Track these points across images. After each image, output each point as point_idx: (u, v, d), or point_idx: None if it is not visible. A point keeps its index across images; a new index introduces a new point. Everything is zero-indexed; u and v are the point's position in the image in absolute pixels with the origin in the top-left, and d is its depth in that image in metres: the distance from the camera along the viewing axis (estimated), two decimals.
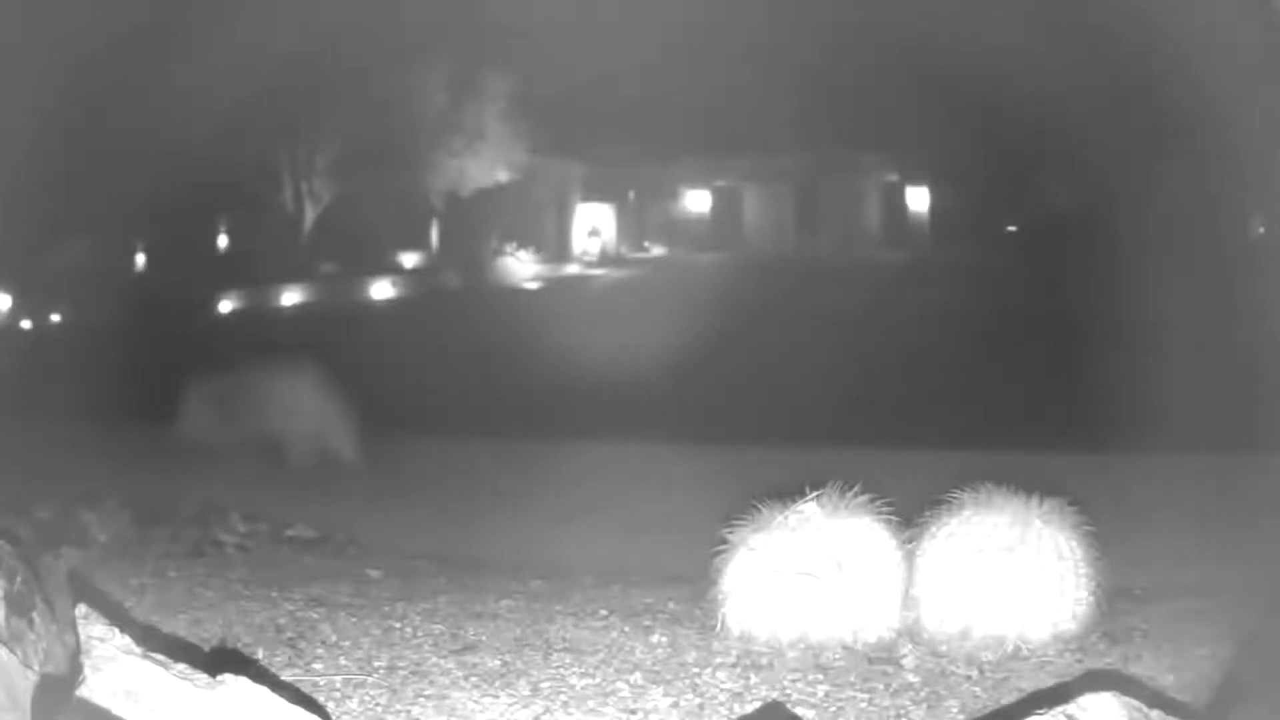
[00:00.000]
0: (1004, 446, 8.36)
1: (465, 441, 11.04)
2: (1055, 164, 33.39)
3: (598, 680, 3.92)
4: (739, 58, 31.64)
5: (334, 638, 4.39)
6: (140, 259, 33.64)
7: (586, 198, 40.65)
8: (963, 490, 4.45)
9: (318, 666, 4.05)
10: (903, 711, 3.65)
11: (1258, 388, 9.19)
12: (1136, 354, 12.53)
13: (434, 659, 4.14)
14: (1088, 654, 4.15)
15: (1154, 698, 3.08)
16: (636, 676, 3.95)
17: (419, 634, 4.47)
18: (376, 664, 4.08)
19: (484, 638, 4.41)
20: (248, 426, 10.05)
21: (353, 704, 3.69)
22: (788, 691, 3.81)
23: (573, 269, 38.10)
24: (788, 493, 4.44)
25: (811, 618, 4.21)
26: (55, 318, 27.87)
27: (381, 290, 33.14)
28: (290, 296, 31.87)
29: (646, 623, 4.60)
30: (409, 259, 35.76)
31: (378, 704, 3.69)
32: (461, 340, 21.50)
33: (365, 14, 30.05)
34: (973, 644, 4.16)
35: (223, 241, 35.51)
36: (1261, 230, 31.07)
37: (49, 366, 18.28)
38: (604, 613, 4.77)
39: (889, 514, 4.37)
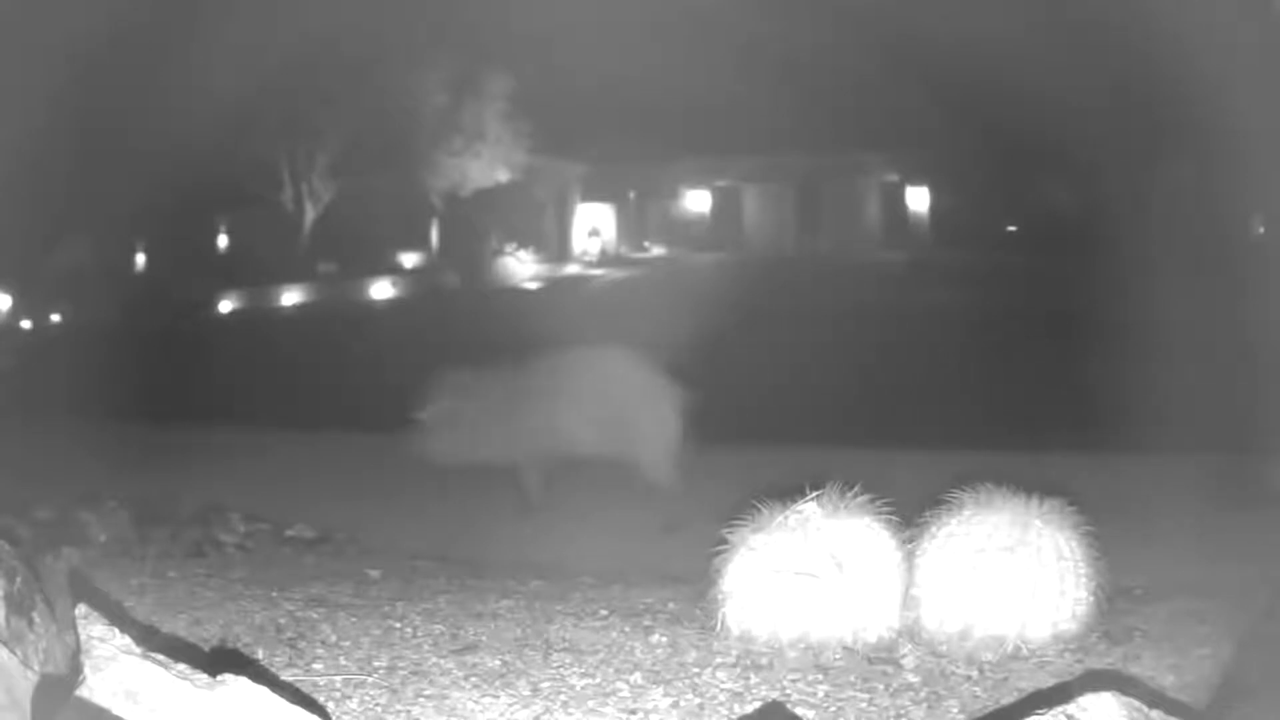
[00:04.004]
0: (1004, 446, 8.35)
1: None
2: (1056, 164, 33.35)
3: (598, 680, 3.91)
4: (739, 58, 31.62)
5: (334, 638, 4.39)
6: (140, 258, 33.69)
7: (586, 198, 40.62)
8: (963, 490, 4.45)
9: (318, 666, 4.05)
10: (903, 711, 3.65)
11: (1258, 388, 9.17)
12: (1136, 353, 12.52)
13: (434, 659, 4.14)
14: (1088, 654, 4.14)
15: (1154, 698, 3.08)
16: (636, 676, 3.95)
17: (419, 634, 4.46)
18: (376, 664, 4.08)
19: (484, 638, 4.40)
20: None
21: (353, 704, 3.69)
22: (788, 691, 3.81)
23: (573, 269, 38.06)
24: (788, 493, 4.44)
25: (811, 618, 4.21)
26: (55, 317, 27.89)
27: (381, 290, 33.16)
28: (290, 296, 31.89)
29: (646, 623, 4.60)
30: (409, 259, 35.76)
31: (378, 704, 3.69)
32: (461, 340, 21.46)
33: (366, 14, 30.07)
34: (973, 644, 4.16)
35: (222, 241, 35.55)
36: (1261, 230, 31.05)
37: (48, 366, 18.27)
38: (604, 613, 4.77)
39: (889, 514, 4.37)
